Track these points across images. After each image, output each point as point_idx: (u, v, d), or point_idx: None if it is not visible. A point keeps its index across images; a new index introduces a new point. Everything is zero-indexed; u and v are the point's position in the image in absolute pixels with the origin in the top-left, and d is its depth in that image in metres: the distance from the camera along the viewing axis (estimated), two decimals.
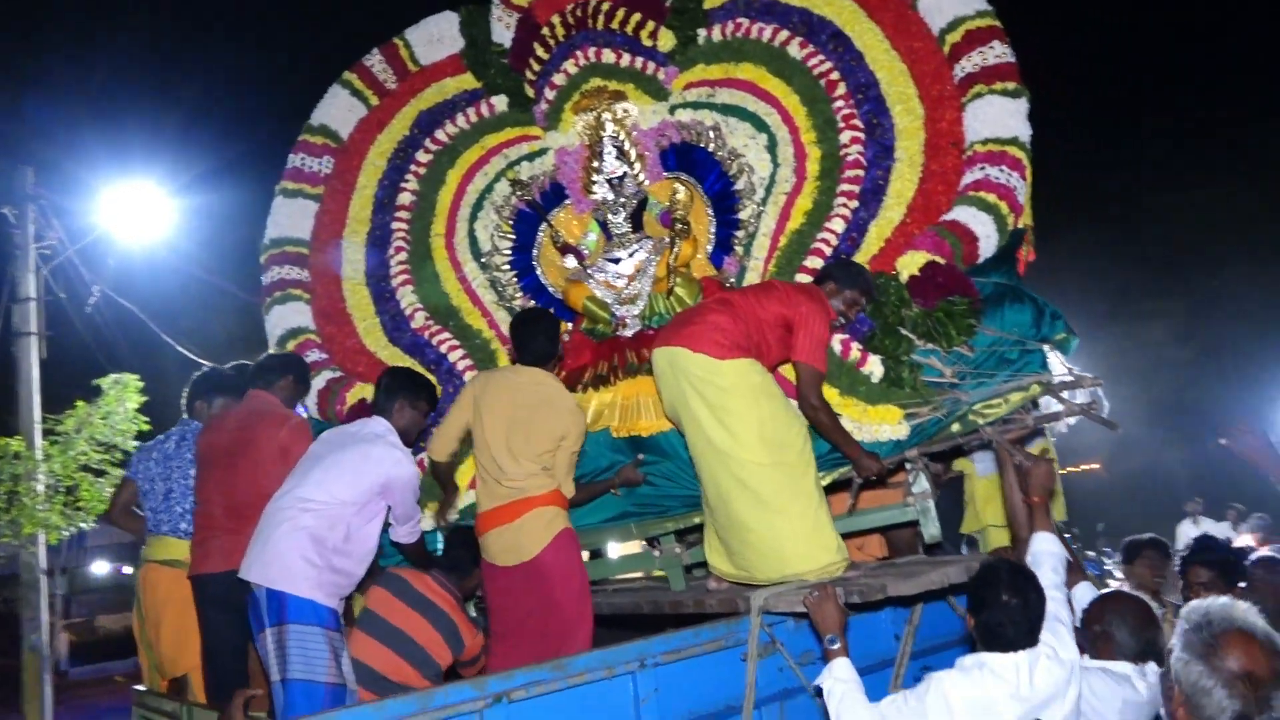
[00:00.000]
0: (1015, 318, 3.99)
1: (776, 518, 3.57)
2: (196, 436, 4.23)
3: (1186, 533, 10.49)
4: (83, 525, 9.04)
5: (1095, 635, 2.88)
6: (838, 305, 3.98)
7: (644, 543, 4.82)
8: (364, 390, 4.79)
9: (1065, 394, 3.86)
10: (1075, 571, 3.40)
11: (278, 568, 3.29)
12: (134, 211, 10.71)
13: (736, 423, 3.65)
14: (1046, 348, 3.95)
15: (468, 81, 5.53)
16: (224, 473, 3.90)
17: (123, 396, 9.10)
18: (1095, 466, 22.80)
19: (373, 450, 3.53)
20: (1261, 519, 8.95)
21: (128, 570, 19.77)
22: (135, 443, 8.62)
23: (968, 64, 4.39)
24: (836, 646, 2.99)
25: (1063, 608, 2.84)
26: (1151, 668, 2.77)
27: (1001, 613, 2.63)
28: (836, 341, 4.06)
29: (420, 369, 4.89)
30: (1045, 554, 3.04)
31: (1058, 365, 3.97)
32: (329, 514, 3.38)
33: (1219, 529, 9.90)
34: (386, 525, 3.71)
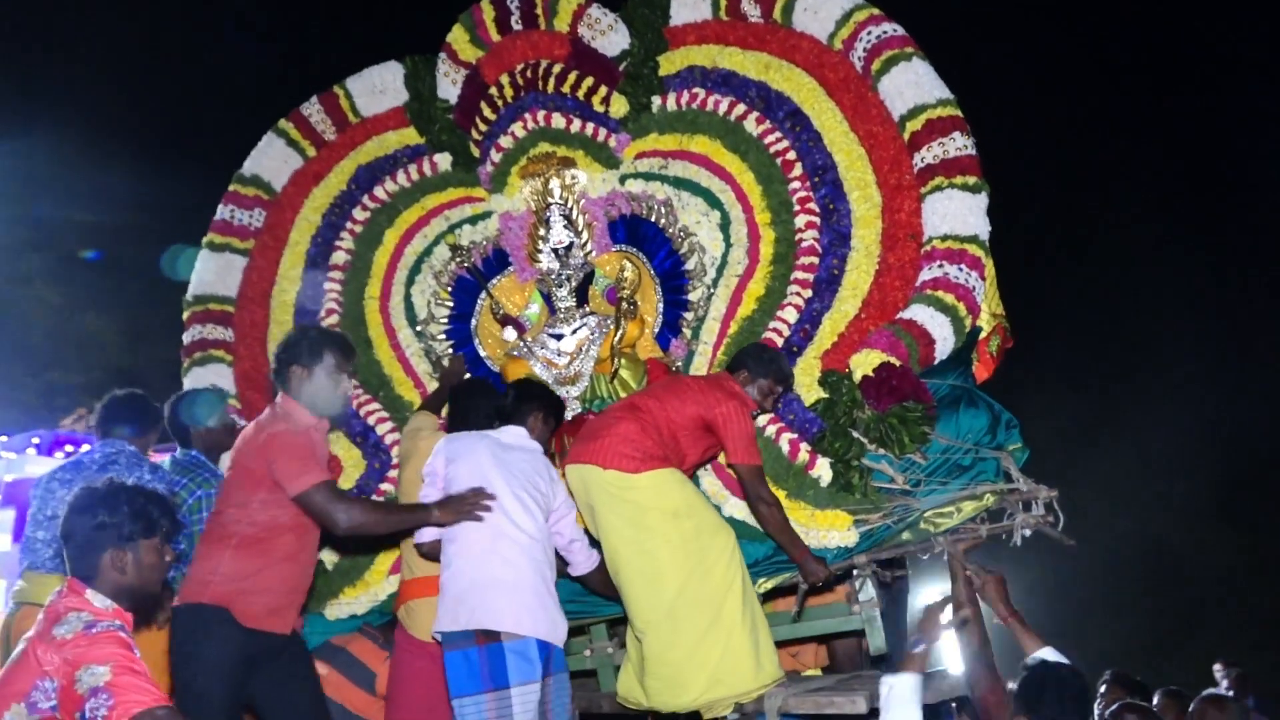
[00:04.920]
0: (970, 423, 3.86)
1: (689, 647, 3.37)
2: None
3: None
4: None
5: None
6: (753, 394, 3.80)
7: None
8: None
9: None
10: None
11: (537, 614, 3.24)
12: None
13: (655, 542, 3.45)
14: (1001, 455, 3.83)
15: (410, 136, 5.28)
16: None
17: None
18: None
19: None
20: None
21: None
22: None
23: (928, 154, 4.25)
24: (920, 649, 3.02)
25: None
26: None
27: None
28: (785, 442, 3.90)
29: (345, 440, 4.64)
30: None
31: (1013, 473, 3.84)
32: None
33: None
34: None
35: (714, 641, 3.40)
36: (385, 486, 4.42)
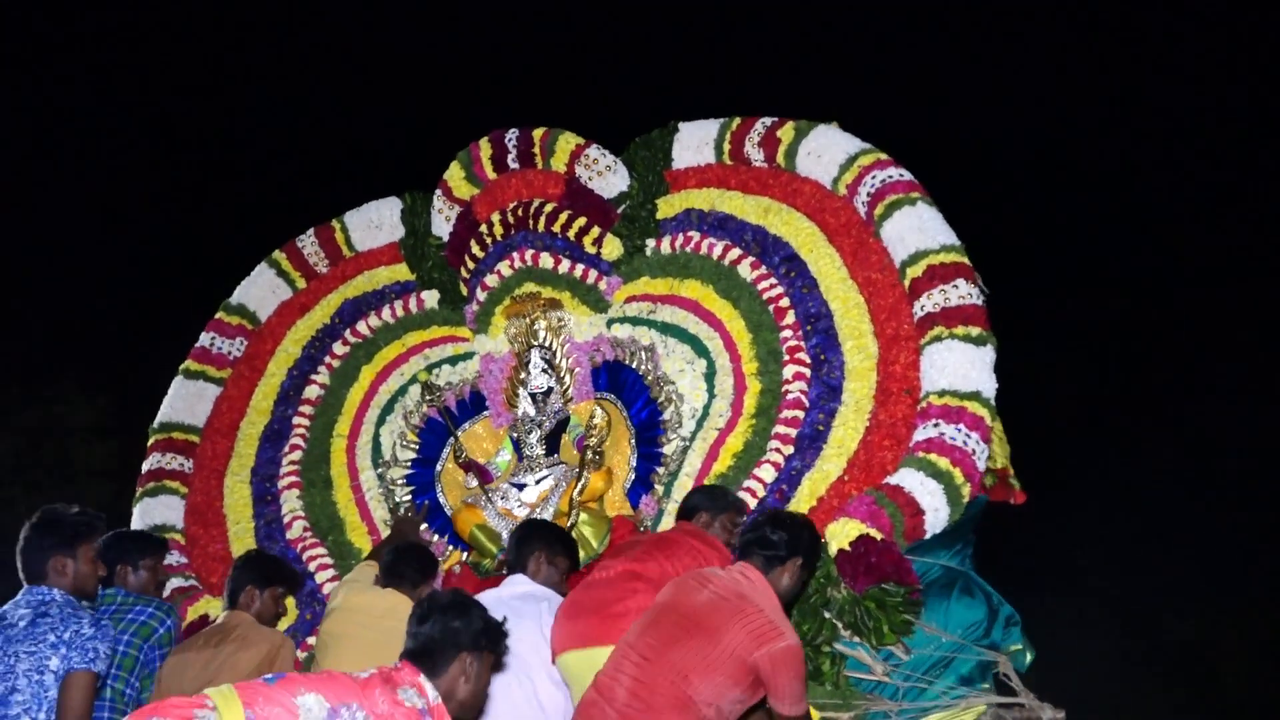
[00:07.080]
0: (963, 614, 3.30)
1: None
2: None
3: None
4: None
5: None
6: (719, 534, 3.25)
7: None
8: (209, 605, 4.10)
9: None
10: None
11: None
12: None
13: None
14: (998, 657, 3.21)
15: (401, 272, 5.12)
16: None
17: None
18: None
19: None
20: None
21: None
22: None
23: (927, 302, 3.84)
24: None
25: None
26: None
27: None
28: None
29: None
30: None
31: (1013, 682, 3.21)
32: None
33: None
34: None
35: None
36: (312, 640, 3.96)
